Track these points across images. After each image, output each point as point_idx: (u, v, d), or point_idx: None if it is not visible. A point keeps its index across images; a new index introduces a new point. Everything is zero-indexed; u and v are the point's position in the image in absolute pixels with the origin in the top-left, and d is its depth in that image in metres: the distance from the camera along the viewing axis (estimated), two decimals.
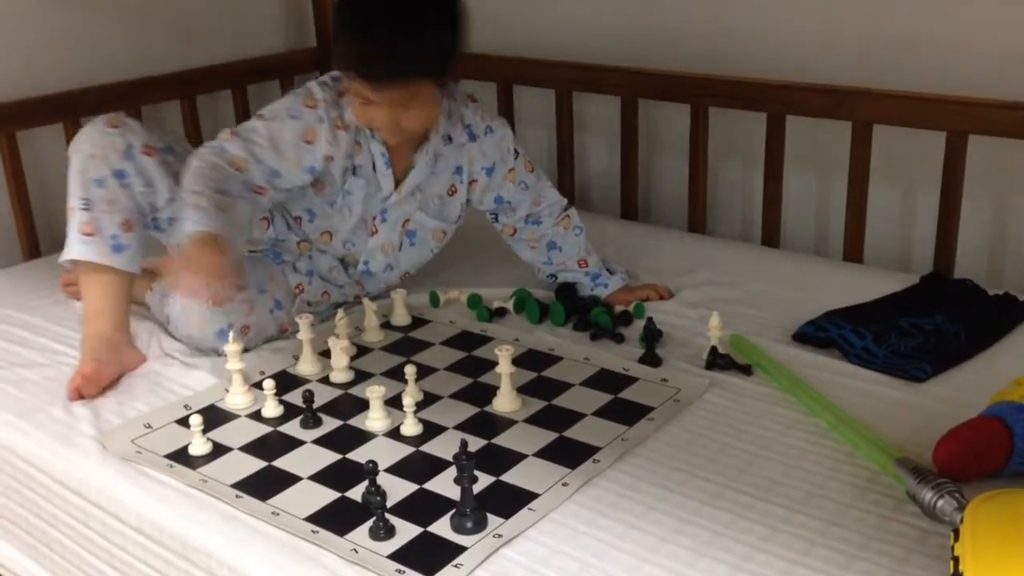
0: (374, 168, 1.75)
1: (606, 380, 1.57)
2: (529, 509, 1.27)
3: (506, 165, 1.84)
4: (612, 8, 2.33)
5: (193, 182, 1.58)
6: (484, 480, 1.31)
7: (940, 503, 1.17)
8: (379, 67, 1.58)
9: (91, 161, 1.68)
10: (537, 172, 1.90)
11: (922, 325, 1.65)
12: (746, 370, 1.58)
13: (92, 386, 1.58)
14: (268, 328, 1.74)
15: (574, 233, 1.90)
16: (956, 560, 1.03)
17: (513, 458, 1.38)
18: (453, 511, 1.25)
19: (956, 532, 1.07)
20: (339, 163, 1.72)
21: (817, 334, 1.66)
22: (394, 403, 1.49)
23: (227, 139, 1.67)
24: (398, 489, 1.32)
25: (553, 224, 1.89)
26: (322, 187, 1.75)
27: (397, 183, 1.77)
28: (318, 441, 1.45)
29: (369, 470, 1.26)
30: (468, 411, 1.50)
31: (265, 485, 1.35)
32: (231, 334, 1.56)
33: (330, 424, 1.49)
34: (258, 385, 1.56)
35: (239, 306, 1.67)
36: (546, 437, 1.43)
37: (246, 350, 1.65)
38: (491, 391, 1.53)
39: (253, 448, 1.44)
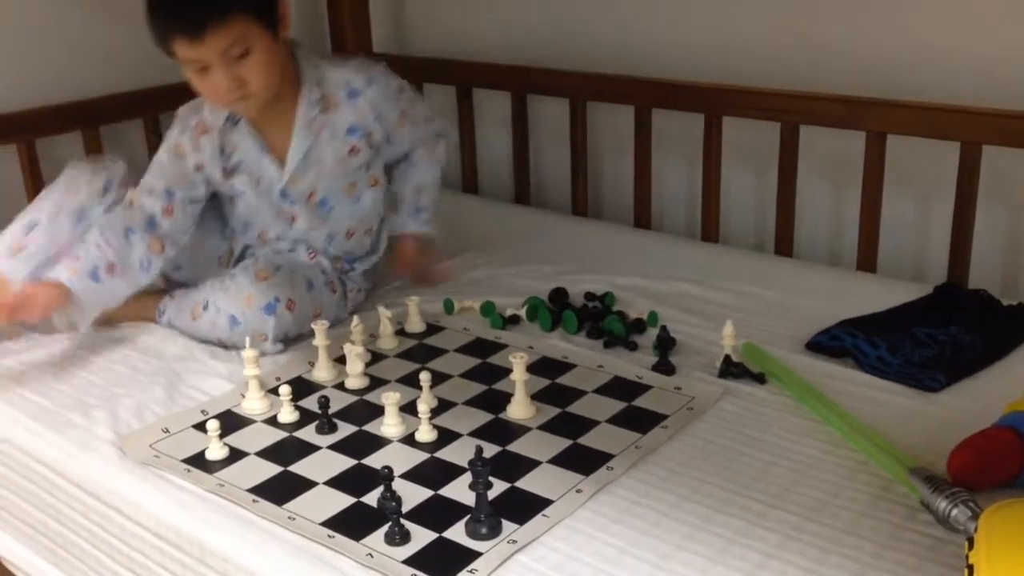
0: (254, 159, 1.77)
1: (620, 388, 1.58)
2: (543, 515, 1.27)
3: (397, 109, 1.84)
4: (625, 19, 2.35)
5: (99, 234, 1.71)
6: (498, 486, 1.32)
7: (954, 512, 1.17)
8: (186, 15, 1.56)
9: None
10: (425, 108, 1.93)
11: (936, 335, 1.65)
12: (760, 378, 1.58)
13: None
14: (307, 307, 1.76)
15: (428, 163, 1.94)
16: (971, 568, 1.03)
17: (527, 465, 1.38)
18: (468, 517, 1.26)
19: (970, 541, 1.07)
20: (213, 168, 1.76)
21: (831, 343, 1.66)
22: (409, 409, 1.50)
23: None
24: (413, 495, 1.32)
25: (419, 152, 1.93)
26: (220, 195, 1.80)
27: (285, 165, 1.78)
28: (334, 447, 1.46)
29: (384, 476, 1.27)
30: (482, 418, 1.51)
31: (281, 490, 1.36)
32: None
33: (345, 430, 1.50)
34: (274, 391, 1.57)
35: (283, 280, 1.73)
36: (560, 444, 1.43)
37: (285, 342, 1.74)
38: (505, 398, 1.53)
39: (269, 453, 1.45)
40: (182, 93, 2.21)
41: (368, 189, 1.87)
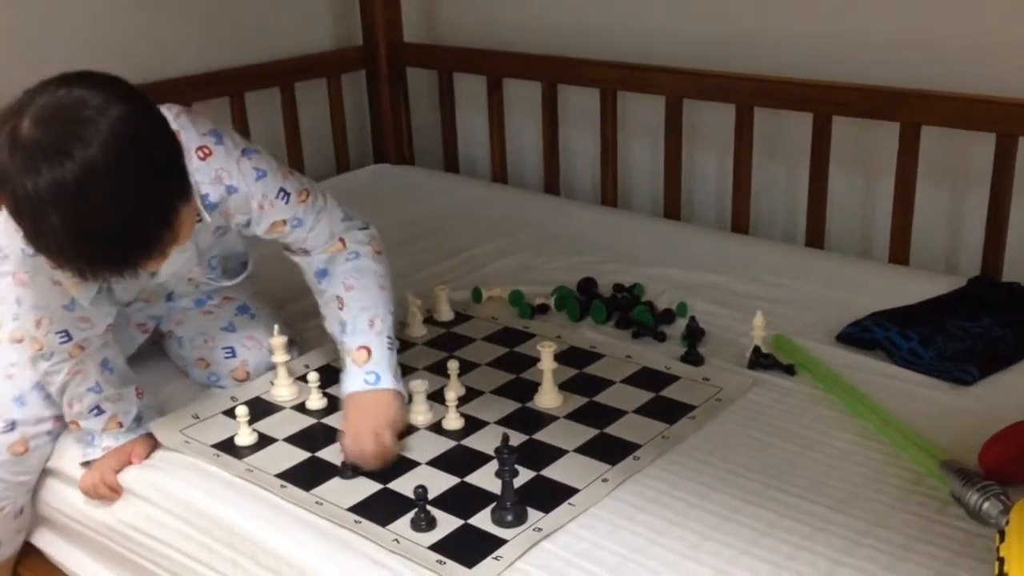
0: None
1: (647, 378, 1.57)
2: (569, 504, 1.27)
3: (269, 219, 1.49)
4: (657, 8, 2.33)
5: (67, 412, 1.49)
6: (524, 475, 1.32)
7: (986, 505, 1.16)
8: (147, 255, 1.25)
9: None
10: (314, 201, 1.52)
11: (969, 328, 1.63)
12: (789, 370, 1.57)
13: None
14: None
15: (345, 257, 1.54)
16: (1001, 561, 1.02)
17: (554, 453, 1.38)
18: (494, 504, 1.26)
19: (1001, 534, 1.06)
20: (86, 290, 1.43)
21: (862, 335, 1.64)
22: (436, 397, 1.50)
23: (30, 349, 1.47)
24: (440, 482, 1.33)
25: (322, 251, 1.55)
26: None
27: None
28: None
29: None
30: (510, 406, 1.51)
31: (309, 475, 1.37)
32: (276, 327, 1.59)
33: None
34: (303, 378, 1.58)
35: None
36: (587, 433, 1.43)
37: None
38: (532, 387, 1.53)
39: (297, 439, 1.46)
40: (216, 81, 2.19)
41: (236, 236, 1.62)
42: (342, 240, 1.55)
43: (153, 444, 1.49)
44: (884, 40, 2.03)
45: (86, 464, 1.49)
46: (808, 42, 2.12)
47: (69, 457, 1.53)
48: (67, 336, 1.44)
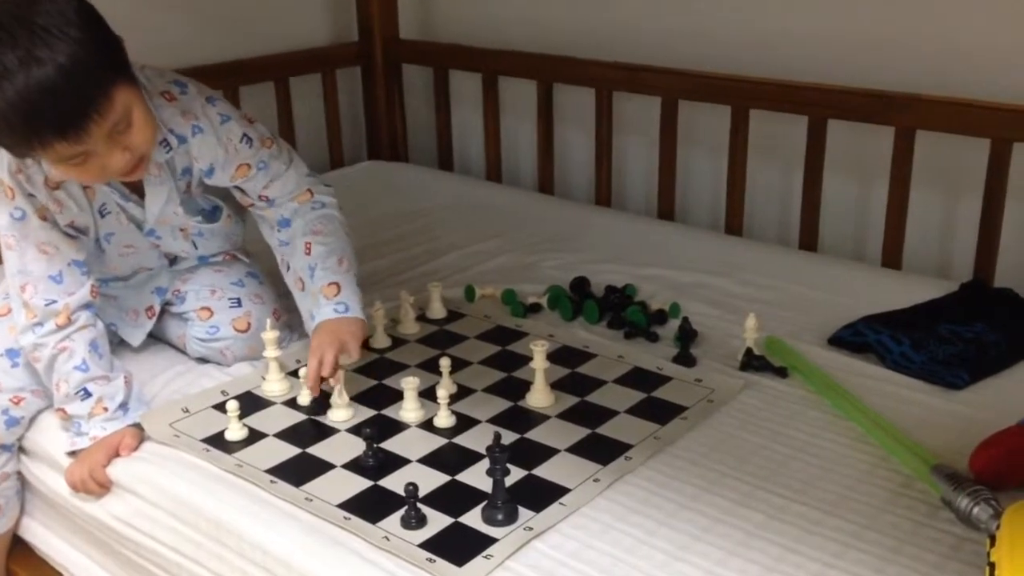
0: (119, 205, 1.55)
1: (640, 378, 1.57)
2: (560, 503, 1.27)
3: (234, 163, 1.55)
4: (654, 9, 2.33)
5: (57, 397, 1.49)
6: (516, 474, 1.32)
7: (976, 510, 1.16)
8: (63, 115, 1.25)
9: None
10: (279, 150, 1.61)
11: (961, 333, 1.63)
12: (781, 372, 1.57)
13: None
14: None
15: (311, 206, 1.62)
16: (992, 566, 1.02)
17: (545, 452, 1.38)
18: (484, 503, 1.26)
19: (992, 538, 1.06)
20: (86, 216, 1.52)
21: (854, 338, 1.64)
22: (428, 395, 1.50)
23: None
24: (430, 479, 1.32)
25: (288, 200, 1.62)
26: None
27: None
28: (352, 430, 1.46)
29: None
30: (501, 405, 1.51)
31: (299, 471, 1.37)
32: (269, 321, 1.59)
33: (364, 413, 1.50)
34: (294, 373, 1.57)
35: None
36: (578, 433, 1.43)
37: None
38: (524, 386, 1.53)
39: (288, 435, 1.46)
40: (210, 74, 2.18)
41: (234, 210, 1.70)
42: (309, 191, 1.64)
43: (141, 436, 1.48)
44: (880, 44, 2.03)
45: (72, 454, 1.49)
46: (805, 45, 2.12)
47: (59, 444, 1.51)
48: (53, 302, 1.48)
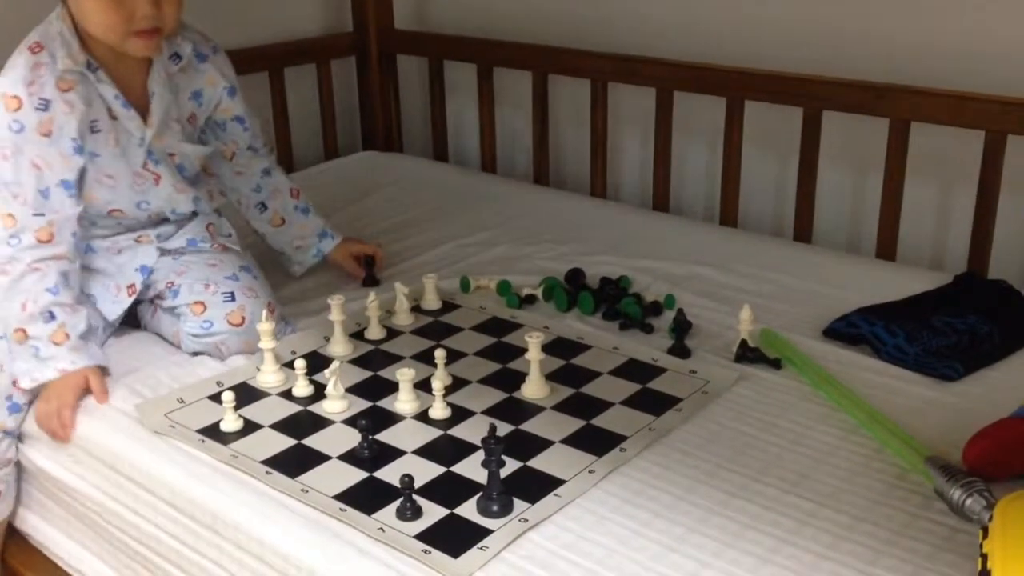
0: (111, 115, 1.57)
1: (634, 370, 1.58)
2: (555, 495, 1.27)
3: (237, 90, 1.76)
4: (649, 0, 2.33)
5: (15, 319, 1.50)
6: (511, 465, 1.32)
7: (969, 501, 1.17)
8: None
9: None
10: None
11: (955, 324, 1.64)
12: (776, 364, 1.58)
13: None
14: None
15: (281, 170, 1.90)
16: (985, 557, 1.03)
17: (540, 444, 1.38)
18: (480, 494, 1.26)
19: (985, 530, 1.07)
20: (84, 128, 1.55)
21: (848, 330, 1.65)
22: (423, 386, 1.50)
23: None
24: (425, 471, 1.33)
25: (265, 153, 1.86)
26: None
27: (144, 119, 1.61)
28: (347, 421, 1.46)
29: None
30: (496, 396, 1.51)
31: (294, 462, 1.37)
32: (264, 312, 1.59)
33: (359, 405, 1.50)
34: (289, 364, 1.58)
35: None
36: (573, 424, 1.43)
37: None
38: (520, 377, 1.53)
39: (283, 426, 1.46)
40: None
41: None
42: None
43: (103, 375, 1.53)
44: (876, 36, 2.03)
45: (34, 387, 1.51)
46: (800, 37, 2.12)
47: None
48: (40, 215, 1.51)
